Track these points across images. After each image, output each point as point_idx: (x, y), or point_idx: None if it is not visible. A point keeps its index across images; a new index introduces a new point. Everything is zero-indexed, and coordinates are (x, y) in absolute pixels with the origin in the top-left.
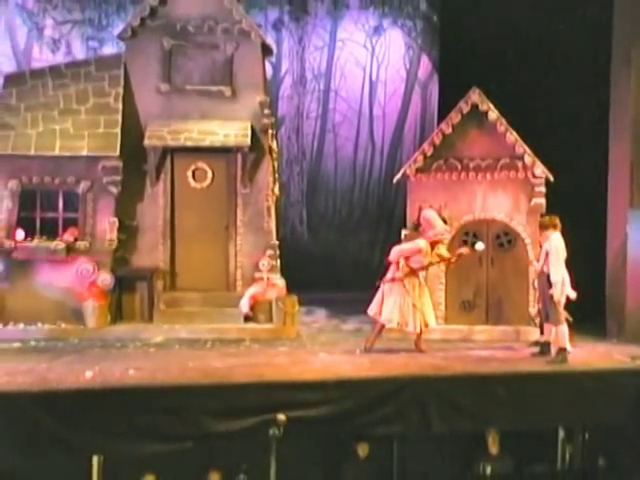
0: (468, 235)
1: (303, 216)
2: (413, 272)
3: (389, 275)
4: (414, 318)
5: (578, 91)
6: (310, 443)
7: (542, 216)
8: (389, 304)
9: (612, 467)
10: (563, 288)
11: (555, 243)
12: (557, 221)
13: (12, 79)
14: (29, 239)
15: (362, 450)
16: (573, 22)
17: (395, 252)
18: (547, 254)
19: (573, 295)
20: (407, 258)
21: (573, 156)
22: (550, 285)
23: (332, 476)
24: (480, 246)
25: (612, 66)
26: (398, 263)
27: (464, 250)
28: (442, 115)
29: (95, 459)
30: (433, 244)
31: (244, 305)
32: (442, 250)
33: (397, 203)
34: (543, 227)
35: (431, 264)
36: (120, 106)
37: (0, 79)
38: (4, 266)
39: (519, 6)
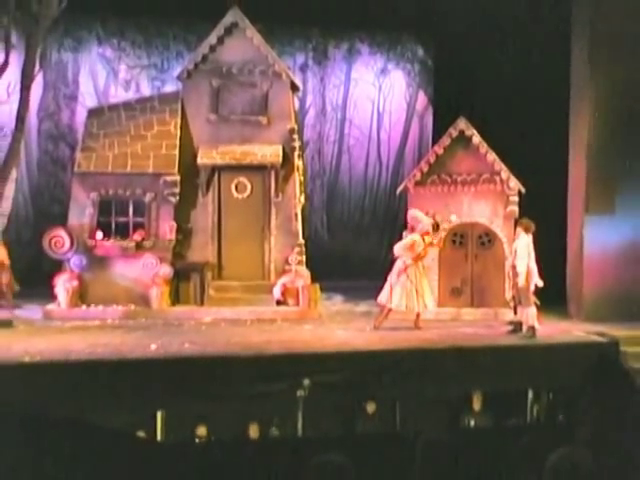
0: (456, 235)
1: (324, 220)
2: (415, 261)
3: (397, 266)
4: (417, 301)
5: (546, 119)
6: (329, 402)
7: (520, 220)
8: (397, 292)
9: (569, 420)
10: (529, 277)
11: (521, 241)
12: (533, 225)
13: (94, 112)
14: (106, 239)
15: (370, 408)
16: (539, 62)
17: (398, 248)
18: (515, 251)
19: (540, 284)
20: (409, 250)
21: (541, 172)
22: (520, 274)
23: (347, 428)
24: (454, 218)
25: (571, 101)
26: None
27: (442, 234)
28: (435, 139)
29: (159, 414)
30: (423, 236)
31: (276, 292)
32: (430, 239)
33: (400, 210)
34: (526, 229)
35: (425, 250)
36: (178, 133)
37: (85, 112)
38: (87, 260)
39: (498, 54)
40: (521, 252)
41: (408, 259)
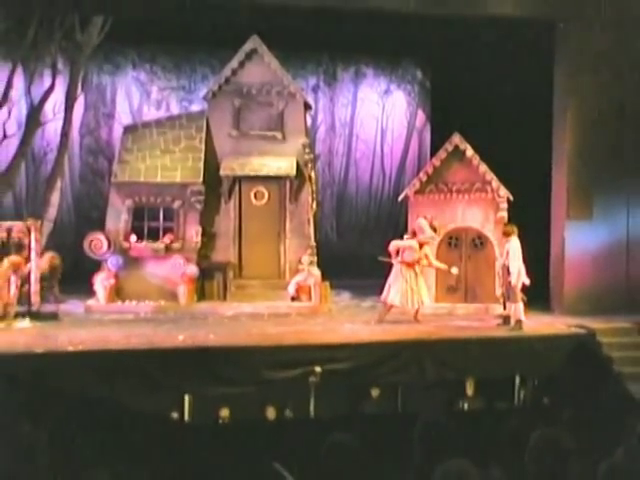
0: (452, 238)
1: (333, 225)
2: (410, 265)
3: (395, 268)
4: (412, 298)
5: (532, 135)
6: (338, 387)
7: (505, 225)
8: (394, 289)
9: (553, 404)
10: (519, 276)
11: (513, 244)
12: (515, 229)
13: (129, 129)
14: (139, 241)
15: (375, 392)
16: (524, 84)
17: (392, 244)
18: (507, 252)
19: (527, 282)
20: (403, 251)
21: (527, 182)
22: (509, 274)
23: (354, 410)
24: (455, 270)
25: (554, 121)
26: (396, 252)
27: (443, 266)
28: (433, 153)
29: (186, 397)
30: (421, 244)
31: (291, 289)
32: (427, 250)
33: (401, 215)
34: (506, 233)
35: (420, 257)
36: (203, 147)
37: (121, 129)
38: (122, 260)
39: (488, 76)
40: (512, 254)
41: (397, 261)
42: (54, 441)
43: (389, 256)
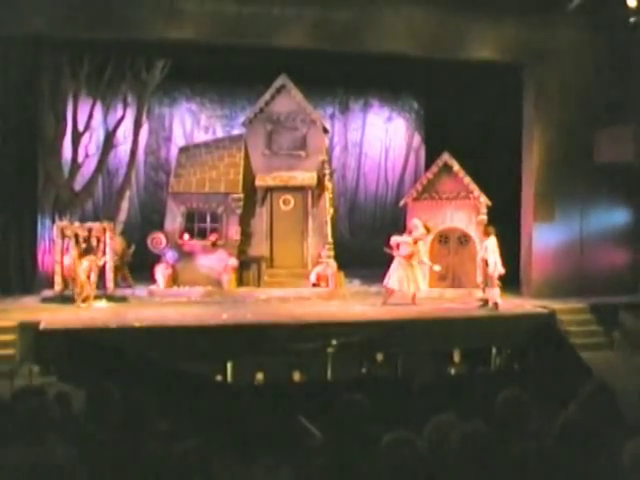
0: (442, 237)
1: (346, 226)
2: (407, 257)
3: (395, 260)
4: (409, 285)
5: (506, 153)
6: (350, 356)
7: (485, 226)
8: (395, 276)
9: (522, 370)
10: (495, 267)
11: (491, 241)
12: (492, 229)
13: (183, 149)
14: (191, 239)
15: (380, 360)
16: (500, 111)
17: (392, 239)
18: (486, 248)
19: (502, 271)
20: (398, 245)
21: (502, 191)
22: (488, 265)
23: (363, 374)
24: (437, 268)
25: (523, 139)
26: (396, 246)
27: (429, 263)
28: (427, 167)
29: (229, 364)
30: (415, 241)
31: (312, 277)
32: (420, 246)
33: (400, 218)
34: (486, 233)
35: (415, 252)
36: (242, 163)
37: (176, 150)
38: (177, 254)
39: (471, 106)
40: (490, 249)
41: (398, 254)
42: (125, 397)
43: (390, 249)
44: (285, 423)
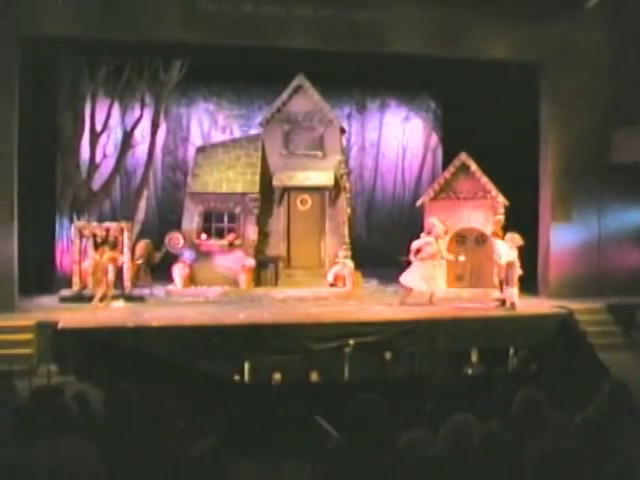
0: (459, 237)
1: (363, 226)
2: (433, 257)
3: (419, 257)
4: (427, 285)
5: (524, 154)
6: (366, 356)
7: (502, 227)
8: (413, 275)
9: (539, 370)
10: (513, 267)
11: (501, 243)
12: (500, 232)
13: (200, 149)
14: (208, 239)
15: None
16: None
17: (414, 244)
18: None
19: (521, 272)
20: (419, 250)
21: (520, 191)
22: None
23: (381, 375)
24: (461, 258)
25: (541, 143)
26: (417, 250)
27: (451, 257)
28: (444, 167)
29: (246, 364)
30: (437, 238)
31: (329, 277)
32: (441, 243)
33: (418, 218)
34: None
35: (438, 252)
36: (259, 163)
37: (194, 150)
38: (195, 254)
39: (488, 107)
40: (500, 248)
41: (420, 258)
42: (143, 395)
43: (408, 253)
44: (302, 423)
